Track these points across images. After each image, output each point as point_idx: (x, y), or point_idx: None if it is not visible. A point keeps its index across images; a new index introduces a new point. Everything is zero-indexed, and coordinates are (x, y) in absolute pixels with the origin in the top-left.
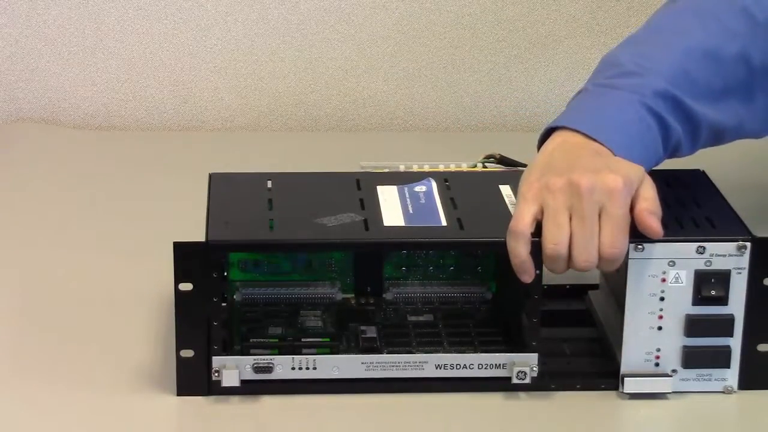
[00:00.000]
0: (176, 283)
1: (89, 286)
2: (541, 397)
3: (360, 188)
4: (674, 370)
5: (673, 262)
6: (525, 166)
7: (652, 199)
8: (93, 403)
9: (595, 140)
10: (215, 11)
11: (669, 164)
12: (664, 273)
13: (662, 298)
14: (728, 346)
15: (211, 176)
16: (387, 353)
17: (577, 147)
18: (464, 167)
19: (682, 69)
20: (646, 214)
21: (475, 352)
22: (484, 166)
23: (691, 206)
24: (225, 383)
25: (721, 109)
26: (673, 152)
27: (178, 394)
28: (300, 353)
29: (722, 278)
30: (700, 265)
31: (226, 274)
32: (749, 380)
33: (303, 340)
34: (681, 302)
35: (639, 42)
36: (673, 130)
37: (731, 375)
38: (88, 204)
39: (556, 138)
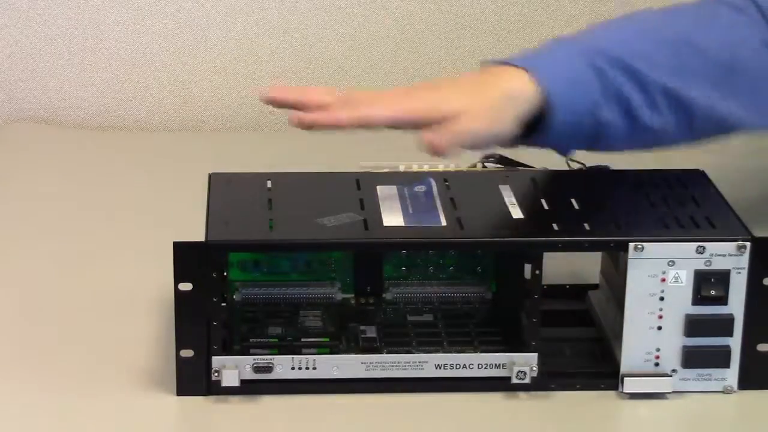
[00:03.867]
0: (176, 283)
1: (89, 286)
2: (541, 397)
3: (360, 188)
4: (674, 370)
5: (673, 261)
6: (525, 166)
7: (461, 129)
8: (93, 403)
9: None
10: (215, 11)
11: (669, 164)
12: (663, 273)
13: (662, 298)
14: (728, 346)
15: (211, 176)
16: (387, 353)
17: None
18: (464, 167)
19: (630, 40)
20: (435, 133)
21: (475, 352)
22: (484, 166)
23: (690, 206)
24: (225, 383)
25: (687, 83)
26: (627, 112)
27: (178, 394)
28: (300, 353)
29: (722, 278)
30: (700, 265)
31: (225, 274)
32: (749, 380)
33: (303, 340)
34: (681, 302)
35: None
36: (610, 78)
37: (731, 375)
38: (87, 204)
39: None
